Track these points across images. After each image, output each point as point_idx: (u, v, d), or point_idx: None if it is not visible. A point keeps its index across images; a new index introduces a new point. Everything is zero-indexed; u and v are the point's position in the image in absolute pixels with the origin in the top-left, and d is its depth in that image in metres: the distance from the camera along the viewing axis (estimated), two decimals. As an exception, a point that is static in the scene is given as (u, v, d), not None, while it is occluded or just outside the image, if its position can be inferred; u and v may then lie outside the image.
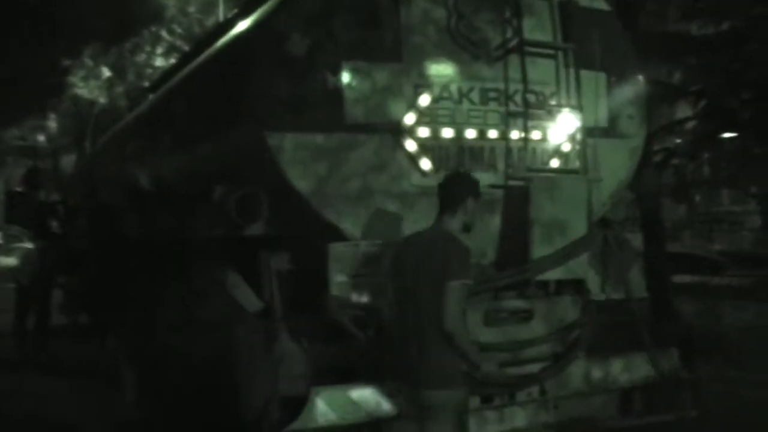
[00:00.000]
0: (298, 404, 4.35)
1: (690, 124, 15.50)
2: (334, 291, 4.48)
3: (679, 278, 11.71)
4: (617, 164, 5.46)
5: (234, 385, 4.95)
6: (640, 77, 5.68)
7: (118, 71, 20.38)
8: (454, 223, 4.18)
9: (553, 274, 4.97)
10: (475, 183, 4.33)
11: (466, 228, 4.24)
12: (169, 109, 7.00)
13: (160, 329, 6.30)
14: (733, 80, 13.33)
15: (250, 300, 4.94)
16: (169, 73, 8.46)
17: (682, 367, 5.24)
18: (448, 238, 4.11)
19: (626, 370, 5.16)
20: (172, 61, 16.25)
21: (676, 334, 7.02)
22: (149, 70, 19.68)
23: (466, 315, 4.08)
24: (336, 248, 4.52)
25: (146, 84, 13.55)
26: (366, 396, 4.46)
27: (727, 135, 15.26)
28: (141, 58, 20.57)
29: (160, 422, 6.26)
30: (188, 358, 5.64)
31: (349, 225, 4.66)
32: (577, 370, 5.03)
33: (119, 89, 19.65)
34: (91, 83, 20.50)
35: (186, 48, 16.36)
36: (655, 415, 5.18)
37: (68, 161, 22.22)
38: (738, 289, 12.49)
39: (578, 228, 4.98)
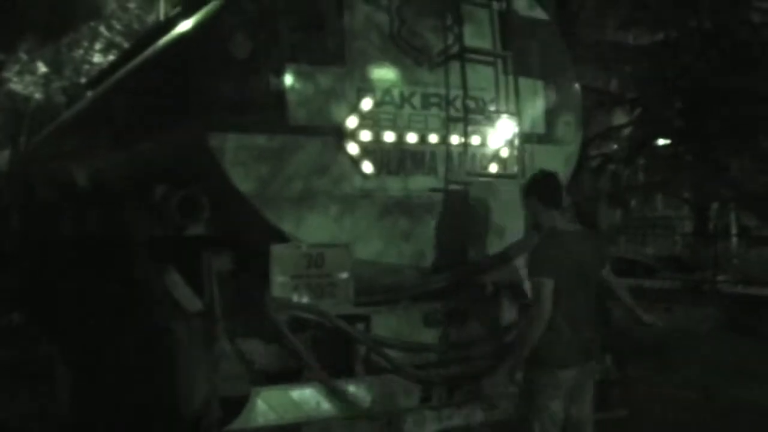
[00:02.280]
0: (238, 404, 4.35)
1: (626, 131, 15.91)
2: (276, 292, 4.50)
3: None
4: (554, 169, 5.57)
5: (172, 386, 4.92)
6: (577, 85, 5.84)
7: (55, 67, 19.92)
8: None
9: (490, 277, 5.08)
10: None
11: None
12: (109, 107, 6.91)
13: (96, 329, 6.22)
14: (667, 89, 13.72)
15: (189, 300, 4.92)
16: (107, 70, 8.33)
17: (613, 369, 5.38)
18: (592, 234, 4.66)
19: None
20: (111, 57, 15.98)
21: (608, 336, 7.20)
22: (87, 67, 19.30)
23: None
24: (277, 249, 4.54)
25: (84, 80, 13.31)
26: (306, 396, 4.50)
27: (661, 142, 15.69)
28: (78, 53, 20.15)
29: (95, 423, 6.18)
30: (126, 359, 5.59)
31: (291, 226, 4.67)
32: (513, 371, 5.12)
33: (56, 85, 19.21)
34: (26, 78, 20.00)
35: (125, 45, 16.11)
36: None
37: (2, 157, 21.67)
38: (668, 292, 12.83)
39: (516, 232, 5.09)
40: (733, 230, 17.97)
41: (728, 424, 6.42)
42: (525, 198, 4.63)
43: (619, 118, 16.73)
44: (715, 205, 16.60)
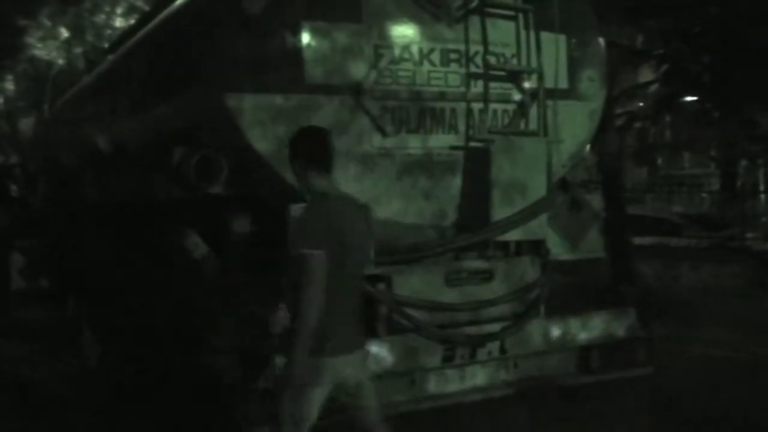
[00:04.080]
0: (261, 363, 4.37)
1: (652, 88, 15.64)
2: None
3: (639, 239, 11.90)
4: (577, 126, 5.50)
5: (196, 345, 4.95)
6: (600, 40, 5.71)
7: (77, 32, 19.93)
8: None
9: (513, 235, 5.03)
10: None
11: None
12: (128, 70, 6.88)
13: (120, 292, 6.27)
14: (694, 44, 13.43)
15: (209, 261, 4.93)
16: (128, 33, 8.30)
17: (639, 326, 5.34)
18: (363, 204, 3.86)
19: (584, 329, 5.25)
20: (132, 21, 15.95)
21: (633, 294, 7.16)
22: (108, 31, 19.28)
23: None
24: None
25: (105, 45, 13.29)
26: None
27: (688, 99, 15.43)
28: (100, 18, 20.14)
29: (121, 384, 6.26)
30: (150, 320, 5.63)
31: (310, 186, 4.63)
32: (536, 330, 5.11)
33: (77, 50, 19.22)
34: (48, 44, 20.05)
35: (146, 8, 16.05)
36: (611, 372, 5.28)
37: (26, 124, 21.80)
38: (695, 251, 12.73)
39: (538, 189, 5.04)
40: (761, 187, 17.72)
41: (755, 382, 6.36)
42: (292, 159, 3.79)
43: (646, 74, 16.44)
44: (742, 162, 16.34)
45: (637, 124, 15.42)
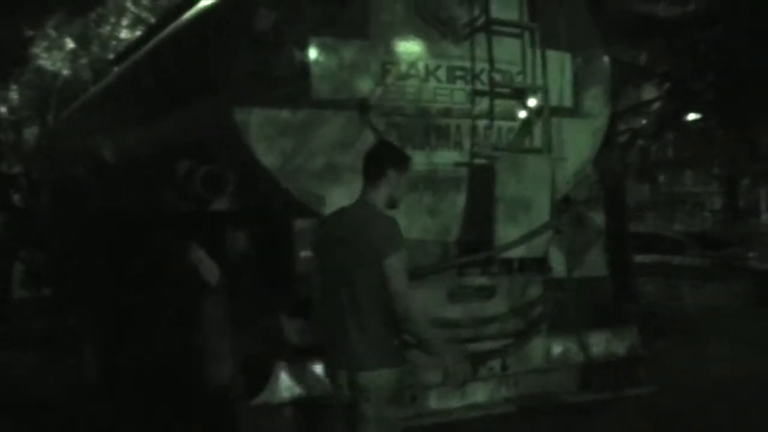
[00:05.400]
0: (263, 378, 4.37)
1: (655, 106, 15.66)
2: (299, 267, 4.49)
3: (641, 257, 11.91)
4: (581, 144, 5.51)
5: (198, 359, 4.96)
6: (605, 58, 5.73)
7: (83, 42, 20.00)
8: (376, 196, 3.83)
9: (516, 253, 5.04)
10: (396, 153, 4.00)
11: (391, 203, 3.90)
12: (135, 82, 6.93)
13: (123, 303, 6.27)
14: (698, 62, 13.47)
15: (214, 275, 4.94)
16: (134, 45, 8.35)
17: (640, 345, 5.34)
18: (372, 210, 3.80)
19: (586, 346, 5.25)
20: (138, 33, 16.02)
21: (635, 312, 7.17)
22: (114, 42, 19.35)
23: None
24: (301, 224, 4.53)
25: (111, 56, 13.36)
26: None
27: (691, 117, 15.45)
28: (106, 29, 20.21)
29: (122, 395, 6.26)
30: (152, 332, 5.64)
31: (315, 201, 4.65)
32: (538, 347, 5.11)
33: (83, 61, 19.30)
34: (54, 54, 20.11)
35: (152, 20, 16.13)
36: (613, 390, 5.28)
37: (31, 133, 21.87)
38: (697, 269, 12.73)
39: (542, 206, 5.05)
40: (763, 206, 17.72)
41: (756, 401, 6.36)
42: (387, 170, 3.84)
43: (649, 92, 16.48)
44: (745, 181, 16.34)
45: (640, 142, 15.44)
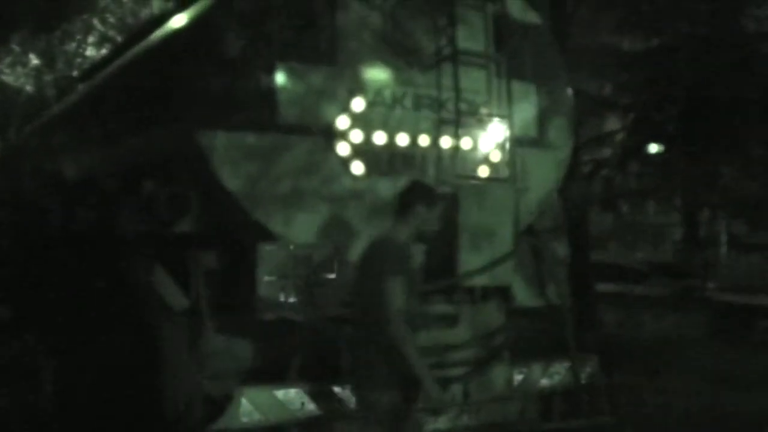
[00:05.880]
0: (223, 403, 4.33)
1: (618, 137, 15.89)
2: (262, 291, 4.47)
3: (602, 286, 12.00)
4: (545, 174, 5.58)
5: (157, 383, 4.90)
6: (569, 89, 5.82)
7: (47, 59, 19.83)
8: (403, 230, 4.08)
9: (479, 281, 5.06)
10: (426, 191, 4.22)
11: (420, 236, 4.20)
12: (100, 100, 6.87)
13: (82, 325, 6.18)
14: (661, 96, 13.71)
15: (176, 298, 4.89)
16: (100, 63, 8.30)
17: (601, 374, 5.38)
18: (384, 241, 4.06)
19: (547, 375, 5.28)
20: (103, 51, 15.93)
21: (597, 342, 7.21)
22: (79, 60, 19.20)
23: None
24: (265, 249, 4.51)
25: (76, 73, 13.24)
26: (291, 396, 4.47)
27: (653, 148, 15.69)
28: (71, 46, 20.06)
29: (79, 419, 6.14)
30: (110, 355, 5.55)
31: (279, 226, 4.64)
32: (500, 375, 5.13)
33: (48, 78, 19.11)
34: (18, 70, 19.91)
35: (118, 39, 16.06)
36: (573, 419, 5.29)
37: (-8, 150, 21.50)
38: (657, 299, 12.86)
39: (505, 235, 5.08)
40: (723, 238, 18.01)
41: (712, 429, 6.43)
42: (415, 206, 4.10)
43: (612, 123, 16.72)
44: (705, 212, 16.59)
45: (604, 172, 15.62)
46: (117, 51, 7.74)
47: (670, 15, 13.45)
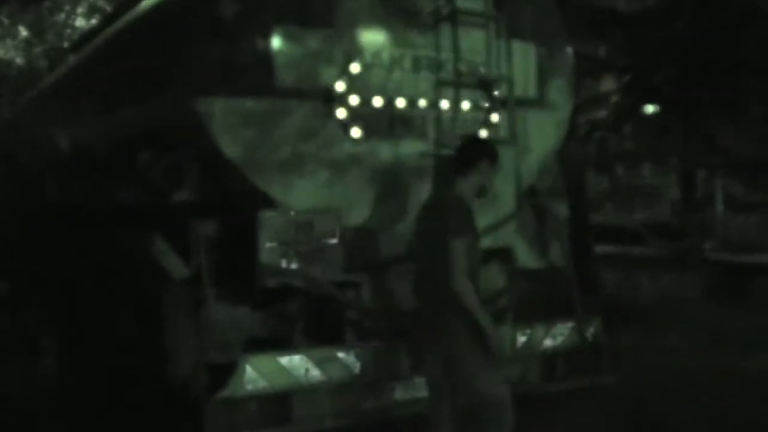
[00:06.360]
0: (227, 371, 4.32)
1: (614, 98, 15.83)
2: (264, 258, 4.45)
3: (600, 248, 12.02)
4: (546, 135, 5.54)
5: (160, 352, 4.89)
6: (569, 50, 5.75)
7: (37, 31, 19.62)
8: (465, 186, 4.14)
9: (482, 243, 5.03)
10: (489, 147, 4.31)
11: (482, 192, 4.23)
12: (93, 72, 6.79)
13: (83, 297, 6.16)
14: (657, 57, 13.64)
15: (176, 267, 4.87)
16: (91, 34, 8.18)
17: (604, 335, 5.38)
18: (451, 198, 4.12)
19: (550, 336, 5.27)
20: (93, 21, 15.76)
21: (599, 303, 7.22)
22: (69, 31, 19.00)
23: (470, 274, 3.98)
24: (266, 215, 4.48)
25: (66, 45, 13.09)
26: (296, 363, 4.46)
27: (649, 109, 15.65)
28: (60, 17, 19.84)
29: (82, 390, 6.14)
30: (113, 328, 5.54)
31: (279, 192, 4.61)
32: (503, 337, 5.11)
33: (38, 50, 18.92)
34: (7, 43, 19.70)
35: (108, 9, 15.87)
36: (576, 380, 5.30)
37: (-16, 124, 21.33)
38: (655, 260, 12.89)
39: (507, 197, 5.06)
40: (719, 197, 18.02)
41: (713, 391, 6.46)
42: (478, 161, 4.19)
43: (608, 84, 16.64)
44: (701, 173, 16.60)
45: (599, 134, 15.59)
46: (107, 20, 7.63)
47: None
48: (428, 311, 4.13)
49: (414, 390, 4.87)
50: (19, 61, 18.96)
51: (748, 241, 14.43)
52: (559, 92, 5.61)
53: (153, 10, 5.59)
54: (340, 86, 4.74)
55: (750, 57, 12.41)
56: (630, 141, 17.10)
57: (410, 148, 4.99)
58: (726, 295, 11.21)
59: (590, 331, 5.29)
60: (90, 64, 6.96)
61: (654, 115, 15.80)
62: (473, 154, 4.19)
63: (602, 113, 16.39)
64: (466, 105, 5.12)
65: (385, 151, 4.91)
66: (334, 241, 4.62)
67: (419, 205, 4.42)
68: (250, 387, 4.33)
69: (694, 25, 12.73)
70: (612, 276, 12.07)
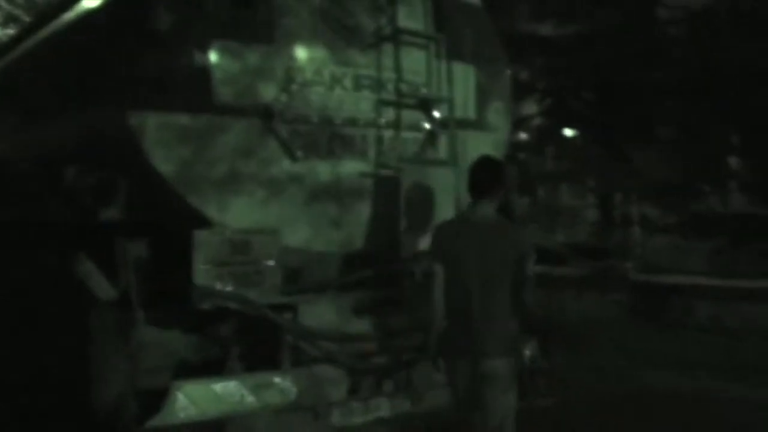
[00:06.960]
0: (157, 398, 4.13)
1: (535, 121, 16.18)
2: (199, 280, 4.28)
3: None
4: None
5: (85, 379, 4.65)
6: (507, 72, 5.81)
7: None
8: (493, 208, 4.22)
9: (420, 266, 4.97)
10: (509, 171, 4.59)
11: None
12: (14, 84, 6.48)
13: (2, 320, 5.83)
14: (577, 81, 14.02)
15: (103, 289, 4.65)
16: (9, 45, 7.84)
17: (541, 357, 5.39)
18: (508, 224, 4.32)
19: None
20: (10, 31, 15.22)
21: (536, 324, 7.23)
22: (-18, 41, 18.33)
23: None
24: (201, 235, 4.32)
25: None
26: (230, 389, 4.30)
27: (569, 132, 16.04)
28: (-26, 27, 19.14)
29: (7, 424, 5.81)
30: (36, 351, 5.26)
31: (216, 211, 4.47)
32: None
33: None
34: None
35: (26, 18, 15.37)
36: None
37: None
38: (577, 280, 13.08)
39: (447, 218, 5.01)
40: (635, 219, 18.51)
41: (640, 411, 6.56)
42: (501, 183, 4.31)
43: (529, 107, 16.98)
44: (619, 195, 17.07)
45: (521, 155, 15.87)
46: (28, 30, 7.32)
47: (585, 1, 13.74)
48: (475, 324, 4.12)
49: (351, 415, 4.78)
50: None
51: (663, 263, 14.79)
52: (498, 114, 5.66)
53: (80, 20, 5.37)
54: (279, 103, 4.63)
55: (663, 82, 12.89)
56: (550, 162, 17.47)
57: (350, 167, 4.91)
58: (645, 315, 11.46)
59: (529, 354, 5.29)
60: (10, 76, 6.65)
61: (573, 138, 16.20)
62: (503, 177, 4.29)
63: (524, 135, 16.71)
64: (406, 125, 5.08)
65: (324, 170, 4.83)
66: (271, 262, 4.49)
67: (448, 225, 4.40)
68: (182, 415, 4.15)
69: (611, 51, 13.13)
70: (536, 297, 12.18)
